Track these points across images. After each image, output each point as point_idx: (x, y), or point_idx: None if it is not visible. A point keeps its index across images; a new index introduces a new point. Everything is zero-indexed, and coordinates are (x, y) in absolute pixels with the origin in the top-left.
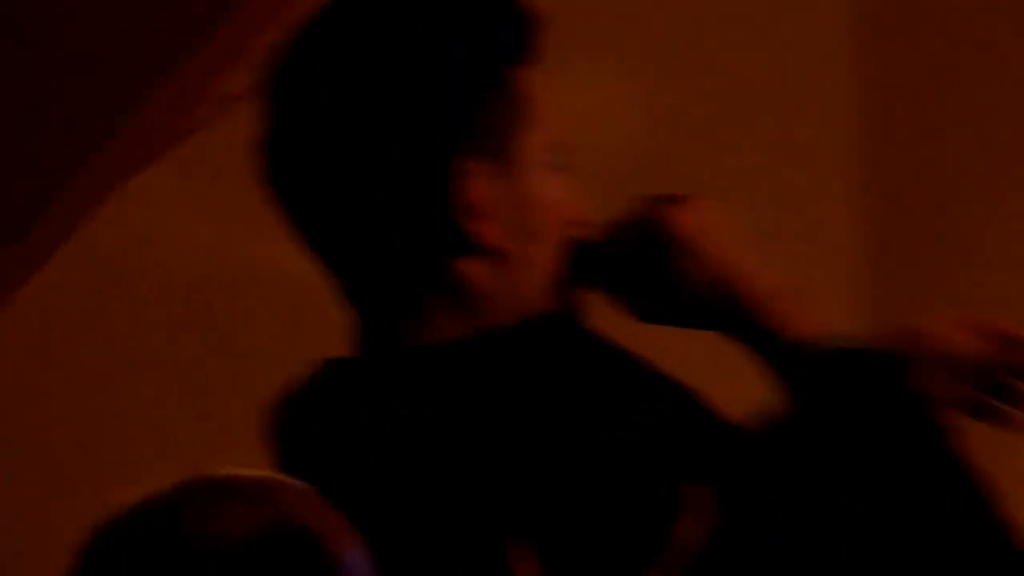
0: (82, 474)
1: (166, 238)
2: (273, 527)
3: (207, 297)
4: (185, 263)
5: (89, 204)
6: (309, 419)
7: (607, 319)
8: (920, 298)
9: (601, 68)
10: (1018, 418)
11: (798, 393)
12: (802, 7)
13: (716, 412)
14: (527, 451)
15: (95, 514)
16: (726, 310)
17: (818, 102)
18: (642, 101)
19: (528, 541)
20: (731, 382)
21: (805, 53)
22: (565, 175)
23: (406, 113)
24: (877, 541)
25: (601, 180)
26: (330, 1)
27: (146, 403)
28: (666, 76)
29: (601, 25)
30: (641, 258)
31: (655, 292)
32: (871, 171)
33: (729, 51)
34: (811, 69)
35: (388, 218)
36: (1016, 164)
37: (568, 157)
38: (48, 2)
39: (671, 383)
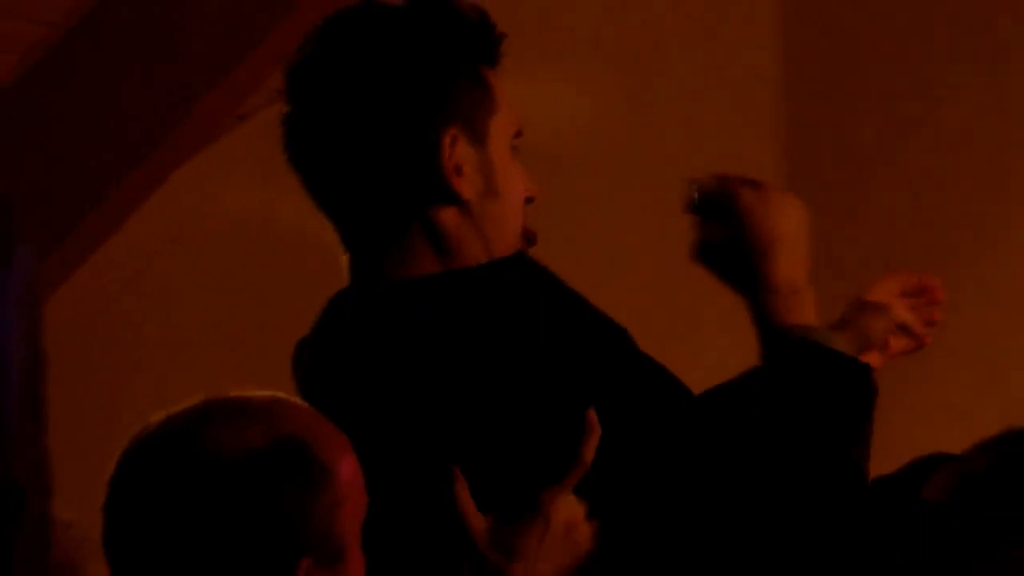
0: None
1: (218, 208)
2: (273, 438)
3: (252, 256)
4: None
5: (141, 196)
6: (311, 341)
7: None
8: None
9: (556, 68)
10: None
11: (767, 362)
12: (735, 23)
13: (638, 350)
14: (471, 371)
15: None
16: (751, 283)
17: (747, 98)
18: (591, 93)
19: (459, 456)
20: None
21: (736, 61)
22: (517, 153)
23: (405, 95)
24: (749, 480)
25: (557, 161)
26: (343, 12)
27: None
28: (613, 76)
29: (558, 32)
30: (714, 217)
31: (712, 245)
32: (792, 161)
33: (667, 55)
34: (741, 74)
35: (385, 174)
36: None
37: (520, 140)
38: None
39: (608, 323)
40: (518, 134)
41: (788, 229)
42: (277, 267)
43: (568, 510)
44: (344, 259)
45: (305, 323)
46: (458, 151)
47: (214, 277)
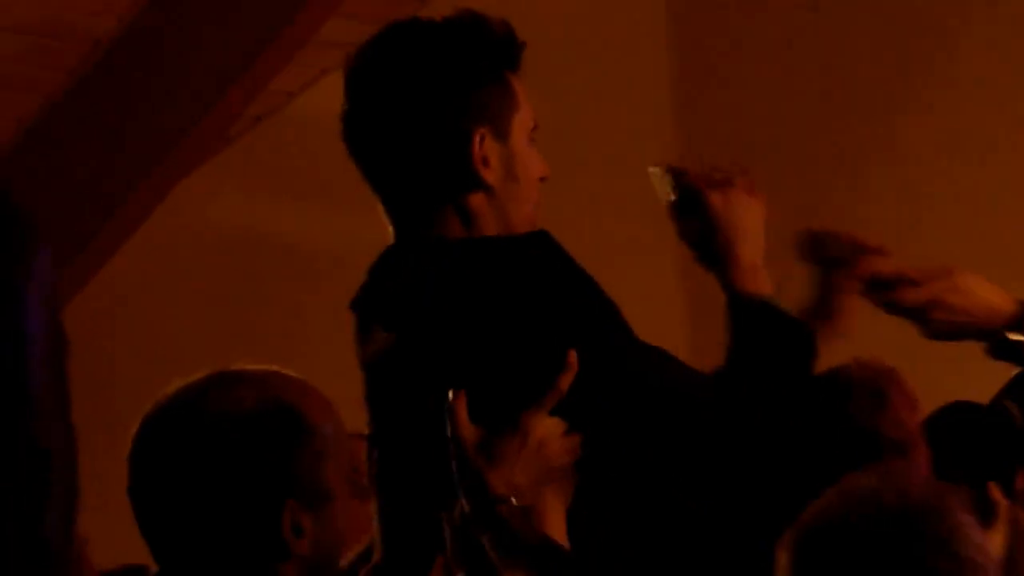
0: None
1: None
2: (265, 402)
3: (257, 259)
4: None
5: (152, 204)
6: (368, 280)
7: None
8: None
9: None
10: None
11: (731, 320)
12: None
13: (623, 322)
14: (484, 314)
15: None
16: (721, 263)
17: (638, 99)
18: None
19: (464, 379)
20: None
21: (626, 67)
22: (534, 142)
23: (443, 101)
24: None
25: None
26: (394, 27)
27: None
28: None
29: None
30: (689, 207)
31: (688, 228)
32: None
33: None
34: (631, 80)
35: (426, 165)
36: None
37: (536, 131)
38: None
39: (599, 291)
40: (535, 127)
41: (750, 223)
42: (268, 272)
43: (543, 429)
44: (389, 229)
45: (297, 322)
46: (486, 146)
47: (211, 282)
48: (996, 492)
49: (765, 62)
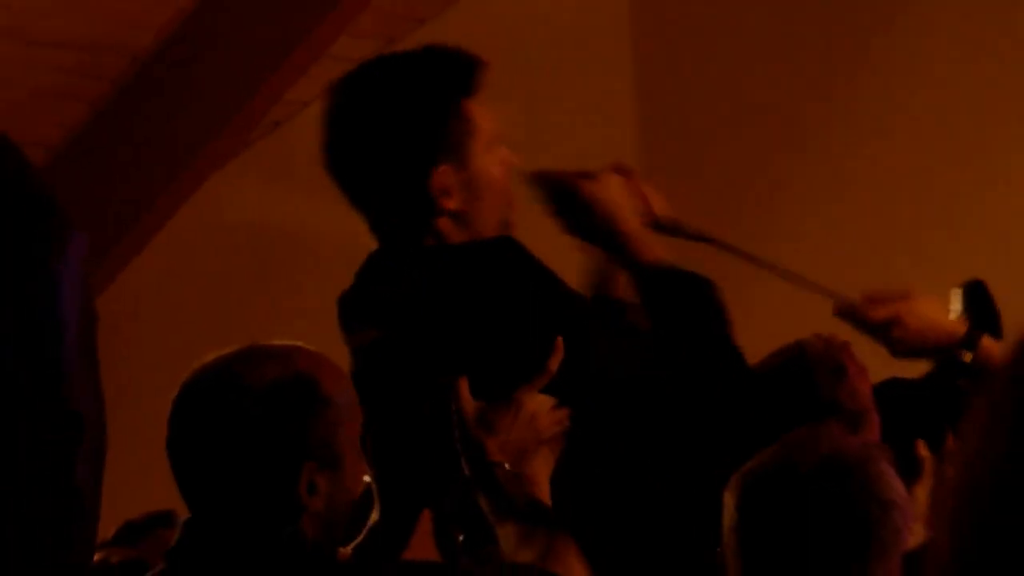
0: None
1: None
2: (288, 374)
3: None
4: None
5: (180, 202)
6: (355, 285)
7: None
8: None
9: None
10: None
11: (642, 291)
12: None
13: (583, 303)
14: (474, 307)
15: None
16: (608, 239)
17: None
18: None
19: (461, 372)
20: None
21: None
22: (500, 157)
23: (402, 139)
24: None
25: None
26: (361, 69)
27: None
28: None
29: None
30: (566, 203)
31: (574, 223)
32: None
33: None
34: (597, 94)
35: (394, 199)
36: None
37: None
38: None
39: (566, 286)
40: (499, 135)
41: (619, 199)
42: (282, 261)
43: (533, 404)
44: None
45: (299, 301)
46: (446, 179)
47: (232, 269)
48: (923, 449)
49: (724, 67)
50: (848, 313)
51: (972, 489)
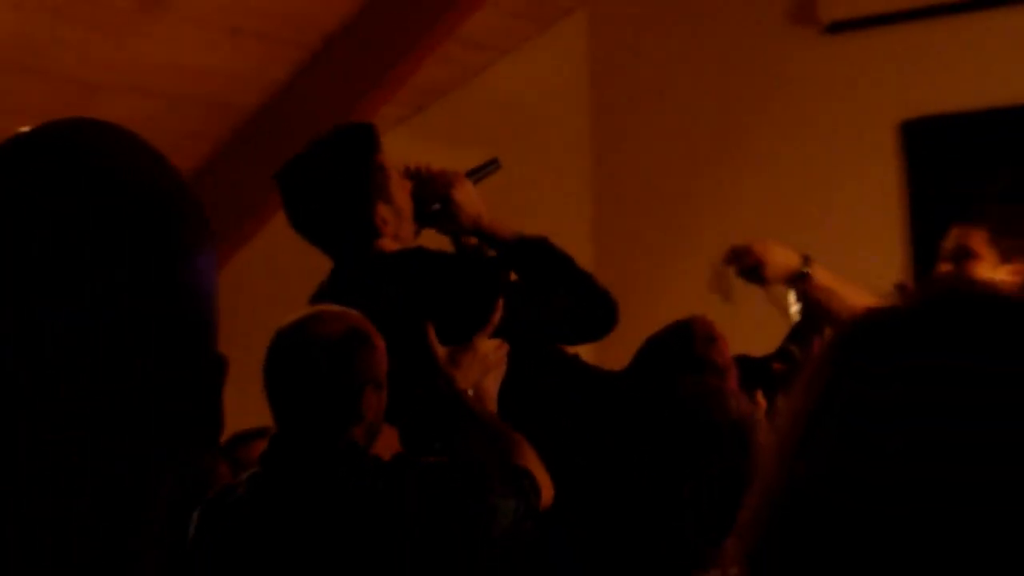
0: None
1: None
2: (348, 327)
3: None
4: None
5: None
6: (327, 284)
7: None
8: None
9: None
10: None
11: (509, 257)
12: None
13: (495, 266)
14: (430, 288)
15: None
16: (473, 228)
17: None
18: None
19: (431, 322)
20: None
21: (550, 105)
22: (406, 190)
23: (349, 196)
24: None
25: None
26: (296, 158)
27: None
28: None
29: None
30: (434, 202)
31: (442, 220)
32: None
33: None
34: (554, 117)
35: (348, 228)
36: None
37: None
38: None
39: (482, 260)
40: (405, 170)
41: (475, 197)
42: None
43: (484, 346)
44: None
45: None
46: (382, 214)
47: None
48: (760, 397)
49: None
50: (718, 284)
51: (785, 434)
